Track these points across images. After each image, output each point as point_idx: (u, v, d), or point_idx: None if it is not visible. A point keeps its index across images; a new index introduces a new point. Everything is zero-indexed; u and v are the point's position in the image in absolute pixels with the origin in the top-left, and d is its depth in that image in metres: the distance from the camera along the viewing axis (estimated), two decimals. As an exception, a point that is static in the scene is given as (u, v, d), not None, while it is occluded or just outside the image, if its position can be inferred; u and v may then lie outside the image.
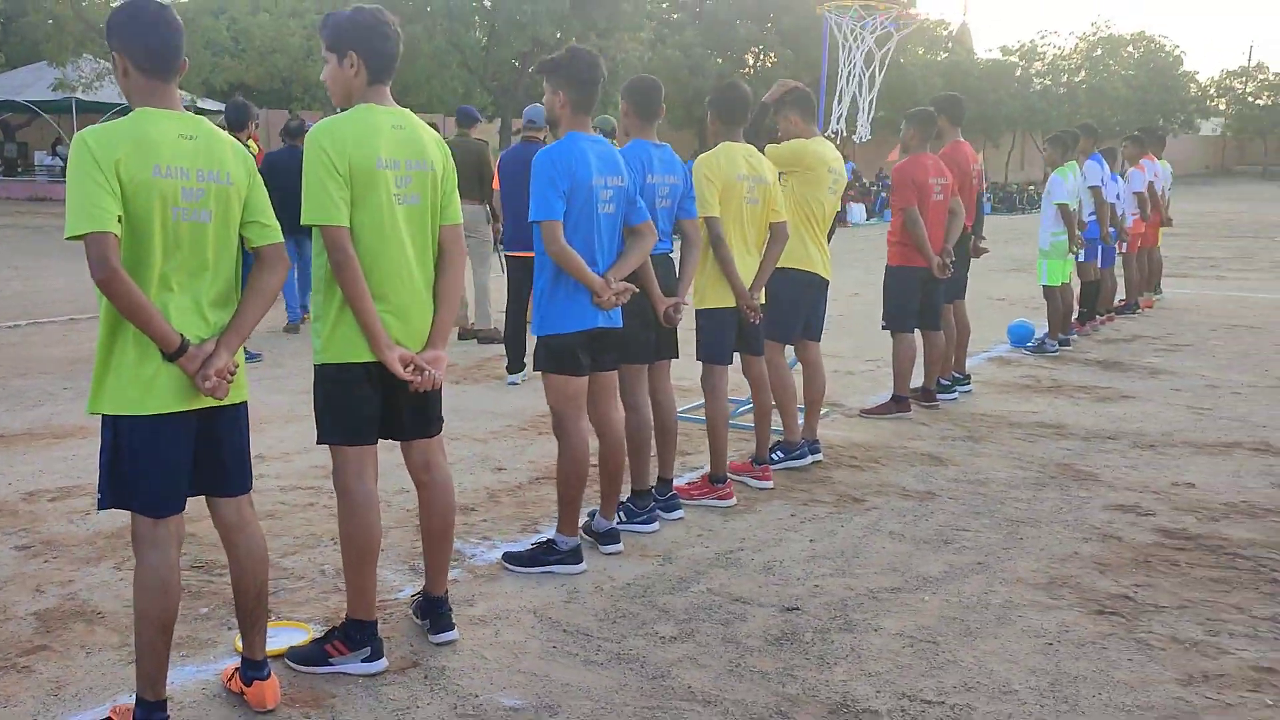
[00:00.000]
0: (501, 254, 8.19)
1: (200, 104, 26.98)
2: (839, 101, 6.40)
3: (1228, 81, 69.73)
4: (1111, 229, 10.61)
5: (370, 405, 3.28)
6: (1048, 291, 9.35)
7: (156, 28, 2.82)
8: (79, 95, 25.35)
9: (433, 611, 3.60)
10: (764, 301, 5.19)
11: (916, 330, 6.99)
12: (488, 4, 31.28)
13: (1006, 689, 3.36)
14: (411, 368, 3.26)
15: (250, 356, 8.14)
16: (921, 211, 6.72)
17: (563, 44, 33.63)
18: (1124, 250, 11.62)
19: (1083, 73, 63.29)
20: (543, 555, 4.23)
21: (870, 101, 6.72)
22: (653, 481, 4.81)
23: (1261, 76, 68.93)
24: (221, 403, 2.90)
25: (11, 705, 3.13)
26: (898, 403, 6.95)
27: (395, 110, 3.29)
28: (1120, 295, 11.86)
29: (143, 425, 2.77)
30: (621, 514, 4.68)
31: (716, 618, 3.83)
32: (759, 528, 4.80)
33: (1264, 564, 4.45)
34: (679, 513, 4.89)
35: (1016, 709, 3.24)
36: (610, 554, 4.41)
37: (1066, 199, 9.10)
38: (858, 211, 28.64)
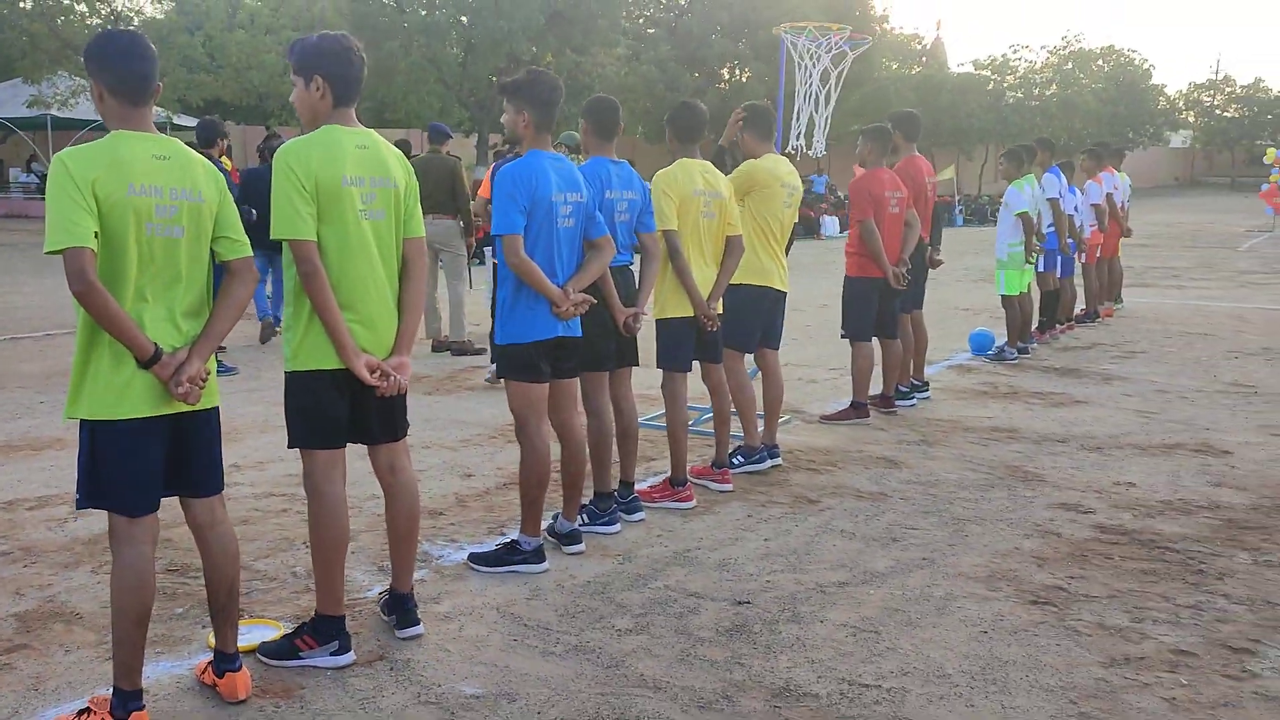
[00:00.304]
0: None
1: (176, 120, 27.10)
2: (797, 119, 6.62)
3: (1195, 94, 70.78)
4: (1070, 240, 10.90)
5: (338, 410, 3.47)
6: (1006, 301, 9.62)
7: (129, 57, 3.00)
8: (54, 112, 25.39)
9: (399, 608, 3.78)
10: (721, 312, 5.40)
11: (875, 339, 7.23)
12: (464, 20, 31.47)
13: (940, 673, 3.56)
14: (378, 374, 3.45)
15: (225, 370, 8.29)
16: (878, 224, 6.96)
17: (539, 60, 33.95)
18: (1083, 261, 11.93)
19: (1054, 86, 64.10)
20: (507, 555, 4.41)
21: (826, 118, 6.96)
22: (615, 485, 5.00)
23: (1229, 89, 69.99)
24: (193, 408, 3.08)
25: (-6, 699, 3.28)
26: (856, 409, 7.17)
27: (360, 130, 3.48)
28: (1081, 305, 12.15)
29: (118, 429, 2.95)
30: (584, 516, 4.87)
31: (671, 611, 4.03)
32: (716, 528, 5.00)
33: (1192, 556, 4.68)
34: (640, 514, 5.08)
35: (948, 691, 3.44)
36: (572, 554, 4.60)
37: (1025, 208, 9.37)
38: (831, 224, 28.94)
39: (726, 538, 4.87)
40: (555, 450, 4.51)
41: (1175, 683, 3.52)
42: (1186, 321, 12.42)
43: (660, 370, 5.35)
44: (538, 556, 4.41)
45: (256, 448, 6.19)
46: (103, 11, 25.95)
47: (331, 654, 3.52)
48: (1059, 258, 10.79)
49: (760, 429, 6.01)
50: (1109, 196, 12.03)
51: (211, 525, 3.22)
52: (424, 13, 31.34)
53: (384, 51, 30.31)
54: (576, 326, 4.40)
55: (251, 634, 3.65)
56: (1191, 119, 71.86)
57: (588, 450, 4.68)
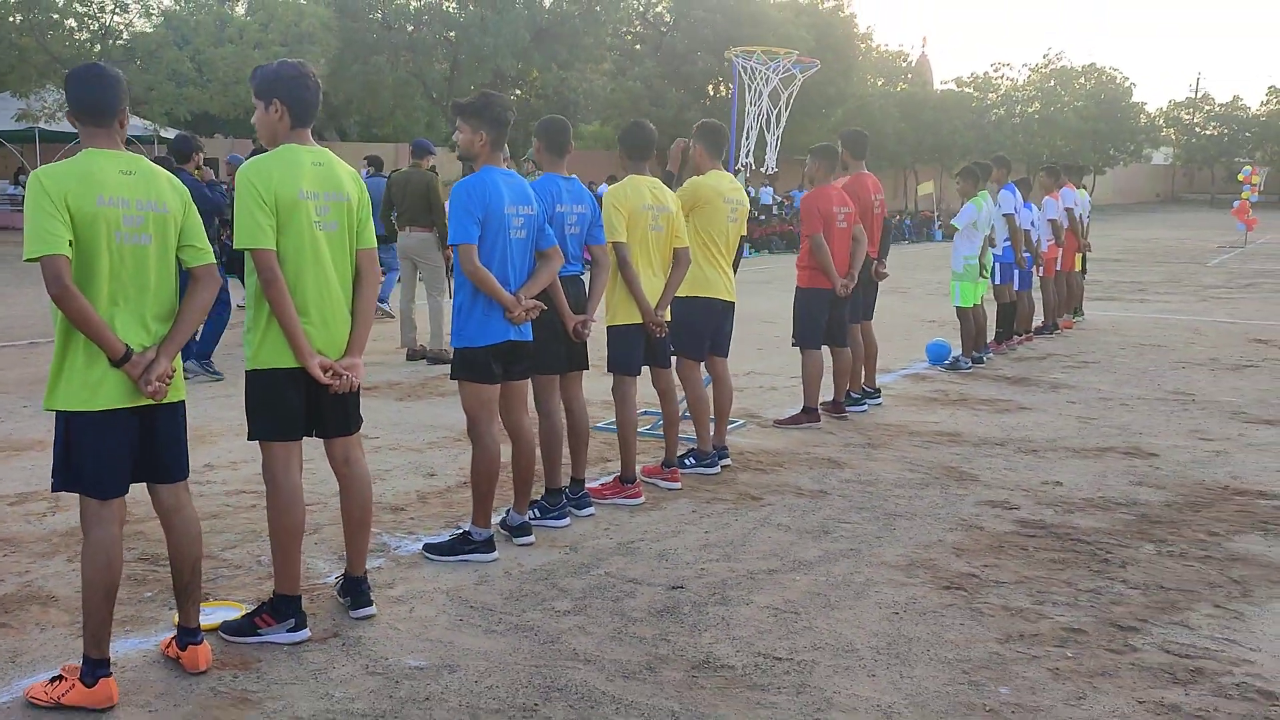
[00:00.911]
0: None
1: (164, 133, 27.39)
2: (746, 137, 6.95)
3: (1175, 112, 71.66)
4: (1027, 254, 11.29)
5: (294, 405, 3.77)
6: (960, 312, 9.98)
7: (98, 86, 3.33)
8: (42, 125, 25.67)
9: (353, 590, 4.09)
10: (669, 320, 5.73)
11: (826, 347, 7.56)
12: (451, 37, 31.88)
13: (849, 648, 3.88)
14: (330, 373, 3.76)
15: (212, 373, 8.59)
16: (827, 238, 7.30)
17: (524, 75, 34.30)
18: (1041, 275, 12.31)
19: (1036, 104, 64.84)
20: (459, 545, 4.72)
21: (778, 136, 7.30)
22: (566, 482, 5.31)
23: (1208, 108, 70.89)
24: (161, 401, 3.39)
25: (-24, 669, 3.57)
26: (808, 414, 7.50)
27: (315, 149, 3.80)
28: (1041, 318, 12.53)
29: (90, 420, 3.26)
30: (535, 510, 5.18)
31: (608, 595, 4.34)
32: (661, 522, 5.31)
33: (1101, 547, 5.02)
34: (590, 510, 5.39)
35: (854, 663, 3.76)
36: (522, 545, 4.91)
37: (965, 220, 9.76)
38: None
39: (669, 530, 5.18)
40: (507, 449, 4.82)
41: (1062, 655, 3.84)
42: (1143, 334, 12.80)
43: (610, 375, 5.66)
44: (488, 546, 4.71)
45: (230, 449, 6.47)
46: (91, 27, 26.28)
47: (288, 630, 3.81)
48: (1015, 271, 11.17)
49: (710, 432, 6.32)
50: (1068, 212, 12.43)
51: (177, 509, 3.53)
52: (411, 28, 31.79)
53: (371, 67, 30.78)
54: (528, 331, 4.72)
55: (215, 614, 3.95)
56: (1172, 136, 72.72)
57: (537, 449, 4.98)
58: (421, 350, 9.92)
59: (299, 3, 28.28)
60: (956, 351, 10.20)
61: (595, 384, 6.47)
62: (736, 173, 6.73)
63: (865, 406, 8.07)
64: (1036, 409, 8.23)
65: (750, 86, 6.65)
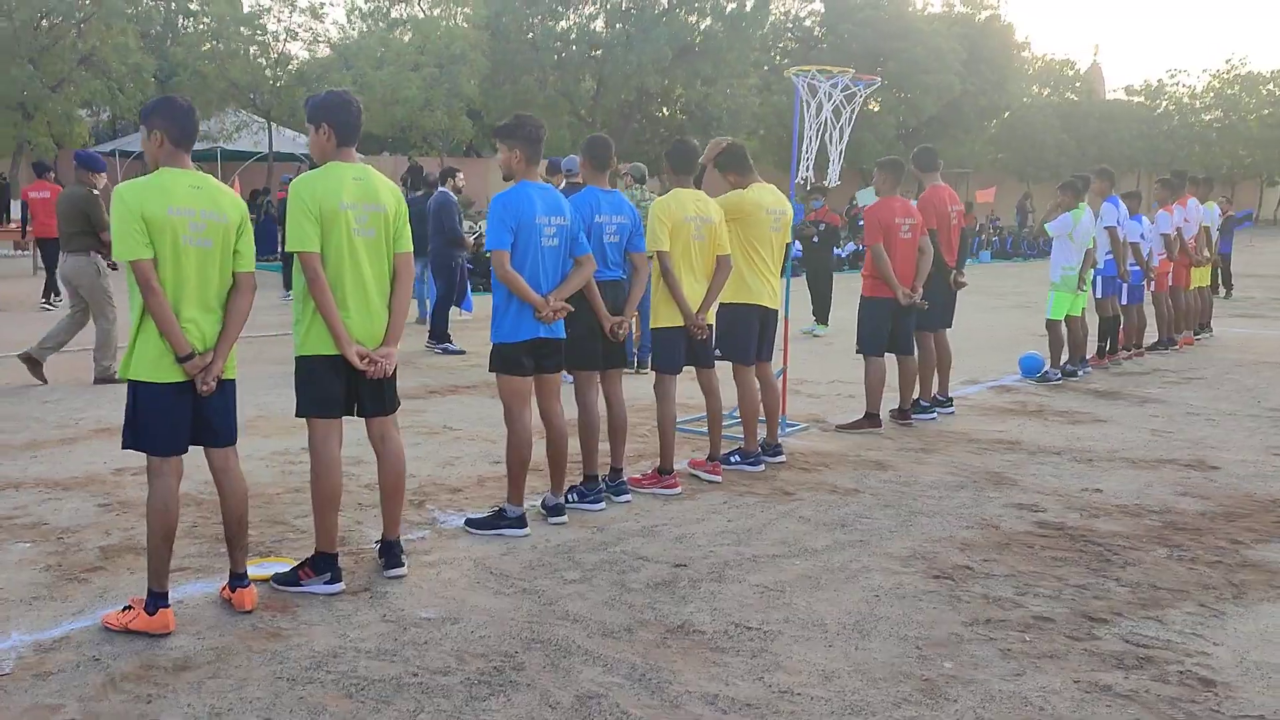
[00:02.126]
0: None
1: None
2: (807, 152, 7.28)
3: (1373, 120, 66.81)
4: (1135, 268, 11.15)
5: (335, 388, 4.36)
6: (1050, 324, 9.98)
7: (186, 114, 4.00)
8: (222, 145, 27.83)
9: (387, 552, 4.66)
10: (711, 323, 6.13)
11: (894, 355, 7.79)
12: (597, 55, 32.87)
13: (818, 622, 4.21)
14: (367, 360, 4.34)
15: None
16: (889, 249, 7.55)
17: (668, 92, 34.97)
18: (1153, 289, 12.09)
19: (1217, 111, 61.70)
20: (495, 520, 5.24)
21: (841, 151, 7.58)
22: (594, 469, 5.76)
23: None
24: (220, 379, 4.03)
25: (68, 601, 4.29)
26: (869, 419, 7.75)
27: (357, 166, 4.40)
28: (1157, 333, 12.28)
29: (156, 390, 3.92)
30: (574, 494, 5.66)
31: (616, 569, 4.78)
32: (690, 510, 5.71)
33: (1110, 549, 5.16)
34: (626, 497, 5.84)
35: (817, 635, 4.09)
36: (555, 524, 5.39)
37: (1059, 229, 9.77)
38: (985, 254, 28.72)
39: (694, 518, 5.58)
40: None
41: (1019, 639, 4.08)
42: (1269, 352, 12.38)
43: (653, 373, 6.11)
44: (520, 523, 5.22)
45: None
46: (270, 56, 28.27)
47: (325, 583, 4.40)
48: (1121, 284, 11.06)
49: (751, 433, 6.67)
50: (1179, 229, 12.14)
51: (225, 470, 4.16)
52: (559, 45, 32.91)
53: (521, 87, 32.03)
54: (558, 329, 5.22)
55: (271, 567, 4.59)
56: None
57: (567, 435, 5.47)
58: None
59: (452, 26, 29.75)
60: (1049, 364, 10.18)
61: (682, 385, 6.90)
62: (800, 186, 7.03)
63: (935, 415, 8.24)
64: (1113, 421, 8.22)
65: (807, 103, 6.94)
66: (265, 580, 4.47)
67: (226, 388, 4.13)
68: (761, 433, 6.76)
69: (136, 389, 3.95)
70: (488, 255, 5.09)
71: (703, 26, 35.19)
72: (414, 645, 3.93)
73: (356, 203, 4.31)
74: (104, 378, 8.86)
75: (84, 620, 4.09)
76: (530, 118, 5.17)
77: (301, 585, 4.41)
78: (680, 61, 33.60)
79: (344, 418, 4.48)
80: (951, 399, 8.53)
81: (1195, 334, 13.14)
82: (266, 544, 5.02)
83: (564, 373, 5.47)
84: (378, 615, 4.21)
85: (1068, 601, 4.48)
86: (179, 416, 3.99)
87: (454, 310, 12.15)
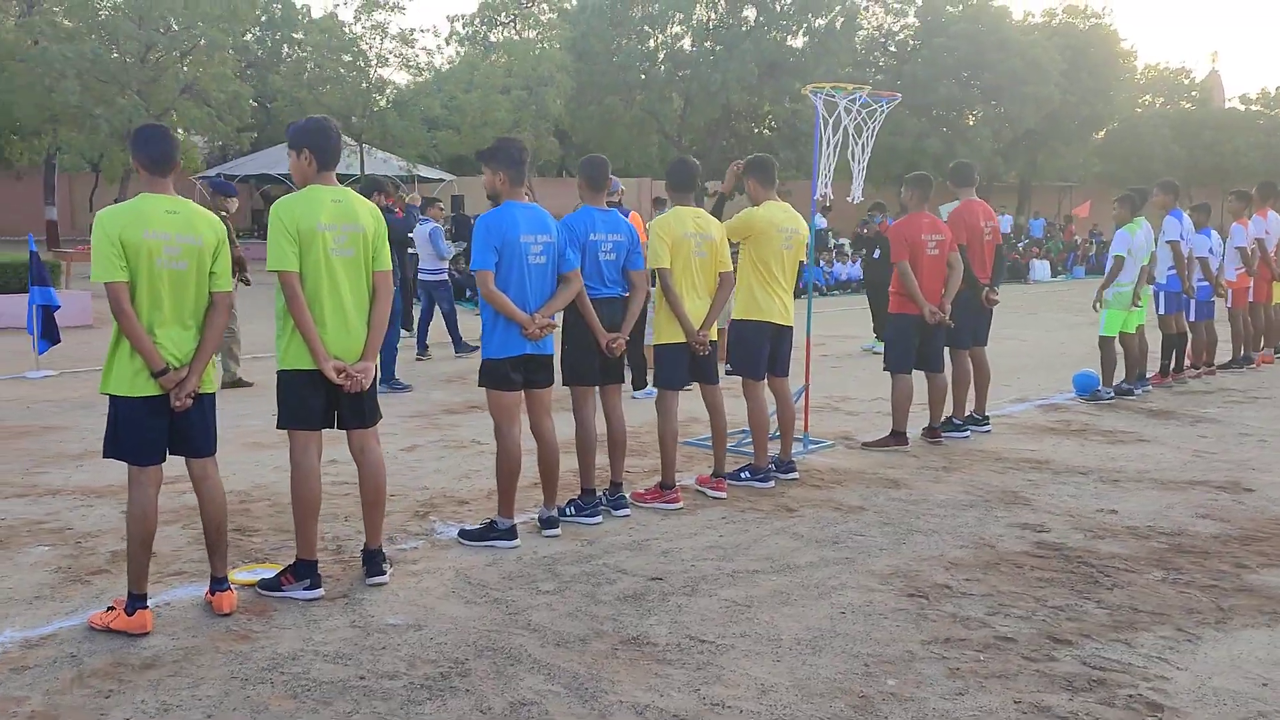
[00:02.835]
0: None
1: (418, 172, 30.04)
2: (827, 169, 7.26)
3: None
4: (1203, 283, 10.80)
5: (313, 401, 4.55)
6: (1103, 341, 9.71)
7: (159, 143, 4.23)
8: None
9: (369, 560, 4.82)
10: (714, 339, 6.18)
11: (923, 372, 7.70)
12: (683, 74, 33.09)
13: (774, 637, 4.22)
14: (343, 375, 4.52)
15: (401, 388, 9.79)
16: (916, 266, 7.48)
17: (758, 108, 34.95)
18: (1229, 306, 11.66)
19: (1341, 120, 58.84)
20: (486, 532, 5.37)
21: (863, 167, 7.54)
22: (590, 483, 5.85)
23: None
24: (197, 392, 4.25)
25: (66, 601, 4.55)
26: (895, 437, 7.67)
27: (337, 188, 4.59)
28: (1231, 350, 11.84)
29: (132, 403, 4.15)
30: (571, 508, 5.76)
31: (592, 581, 4.86)
32: (686, 525, 5.76)
33: (1103, 570, 5.03)
34: (625, 511, 5.91)
35: (768, 649, 4.10)
36: (547, 536, 5.50)
37: (1120, 251, 9.51)
38: (1041, 269, 28.22)
39: (688, 532, 5.62)
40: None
41: (973, 659, 4.03)
42: (1352, 370, 11.81)
43: (655, 388, 6.18)
44: (510, 535, 5.34)
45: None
46: (363, 83, 29.20)
47: (304, 589, 4.58)
48: (1187, 301, 10.71)
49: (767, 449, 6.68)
50: (1260, 241, 11.69)
51: (204, 479, 4.38)
52: (646, 65, 33.21)
53: (606, 106, 32.42)
54: (546, 345, 5.33)
55: (260, 574, 4.79)
56: None
57: (558, 450, 5.57)
58: None
59: (543, 49, 30.31)
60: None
61: (688, 401, 6.96)
62: (819, 203, 7.02)
63: (968, 433, 8.11)
64: (1156, 442, 7.98)
65: (825, 120, 6.92)
66: (253, 585, 4.68)
67: (204, 402, 4.34)
68: (775, 449, 6.77)
69: (115, 403, 4.19)
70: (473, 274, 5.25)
71: (791, 43, 35.17)
72: (371, 650, 4.07)
73: (334, 223, 4.50)
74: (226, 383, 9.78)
75: (74, 619, 4.35)
76: (512, 140, 5.32)
77: (283, 590, 4.60)
78: (767, 78, 33.61)
79: (349, 430, 4.68)
80: (988, 417, 8.38)
81: (1276, 352, 12.61)
82: (265, 551, 5.24)
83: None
84: (346, 621, 4.37)
85: (1038, 622, 4.40)
86: (155, 429, 4.21)
87: None
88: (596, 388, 5.85)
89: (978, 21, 40.71)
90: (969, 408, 8.26)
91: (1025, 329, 16.16)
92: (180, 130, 23.74)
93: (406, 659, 4.00)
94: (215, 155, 37.30)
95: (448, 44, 34.14)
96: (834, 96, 7.23)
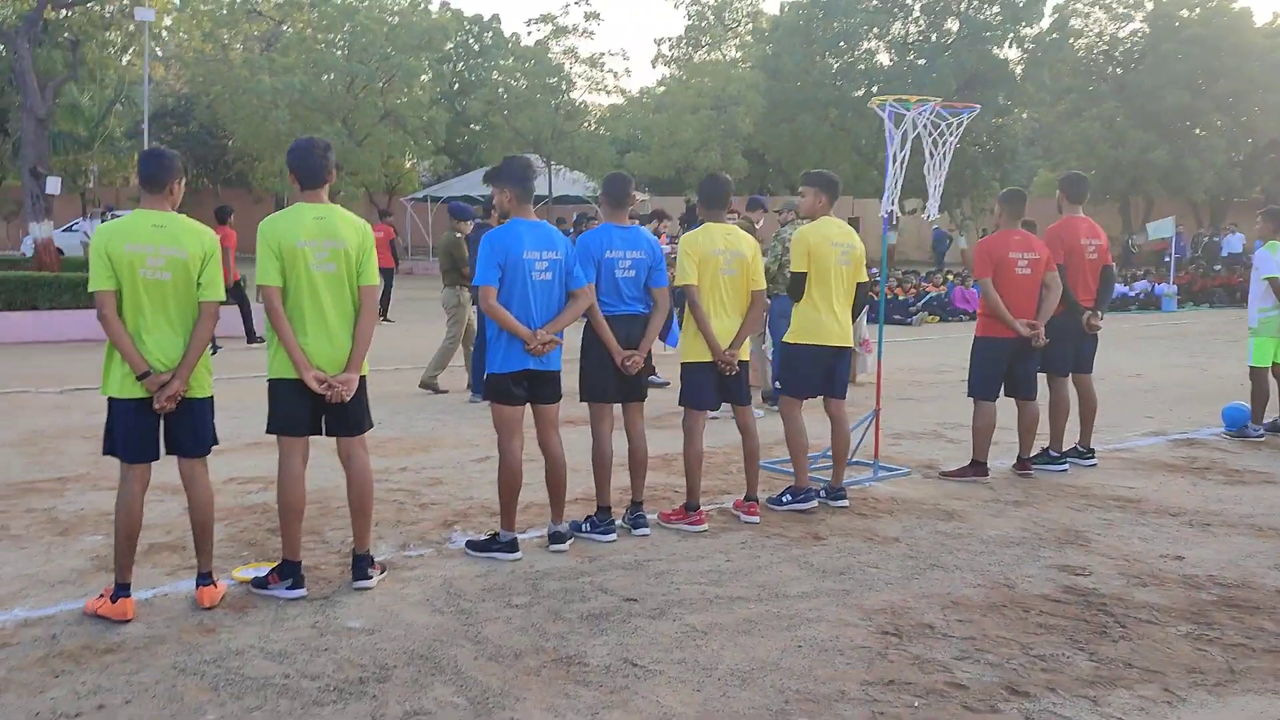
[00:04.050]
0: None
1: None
2: (896, 184, 6.92)
3: None
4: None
5: (298, 409, 4.75)
6: (1253, 373, 8.82)
7: (146, 164, 4.56)
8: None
9: (356, 564, 4.98)
10: (745, 358, 6.04)
11: (1014, 400, 7.24)
12: (878, 90, 32.36)
13: (710, 666, 4.08)
14: (324, 385, 4.70)
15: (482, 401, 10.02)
16: (1002, 284, 7.05)
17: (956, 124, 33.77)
18: None
19: None
20: (489, 544, 5.44)
21: (939, 184, 7.14)
22: (606, 501, 5.81)
23: None
24: (187, 396, 4.53)
25: (83, 586, 4.92)
26: (975, 467, 7.23)
27: (320, 205, 4.78)
28: None
29: (122, 405, 4.47)
30: (587, 525, 5.76)
31: (566, 598, 4.83)
32: (698, 548, 5.63)
33: (1121, 621, 4.58)
34: (645, 530, 5.84)
35: (697, 678, 3.96)
36: (554, 551, 5.51)
37: (1274, 272, 8.62)
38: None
39: (695, 555, 5.50)
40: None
41: (906, 704, 3.76)
42: None
43: (682, 408, 6.08)
44: (511, 547, 5.38)
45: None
46: (554, 104, 30.19)
47: (287, 588, 4.78)
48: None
49: (804, 471, 6.44)
50: None
51: (192, 479, 4.65)
52: (840, 82, 32.71)
53: (798, 125, 32.13)
54: (550, 361, 5.36)
55: (256, 571, 5.03)
56: None
57: (565, 465, 5.57)
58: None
59: (728, 69, 30.40)
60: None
61: (766, 424, 6.84)
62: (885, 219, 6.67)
63: (1066, 466, 7.54)
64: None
65: (891, 134, 6.58)
66: (248, 582, 4.93)
67: (194, 406, 4.60)
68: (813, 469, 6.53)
69: (110, 403, 4.52)
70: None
71: (998, 54, 33.79)
72: (314, 651, 4.21)
73: (315, 239, 4.69)
74: (426, 385, 10.47)
75: (77, 604, 4.70)
76: (517, 159, 5.40)
77: (268, 588, 4.82)
78: (967, 92, 32.39)
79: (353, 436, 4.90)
80: (1093, 450, 7.77)
81: None
82: (270, 551, 5.48)
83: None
84: (310, 622, 4.53)
85: (1007, 671, 4.05)
86: (144, 429, 4.51)
87: (658, 343, 12.41)
88: (615, 405, 5.82)
89: (1210, 25, 37.85)
90: (1070, 439, 7.69)
91: (1215, 356, 14.86)
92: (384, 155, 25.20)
93: (339, 662, 4.11)
94: (430, 177, 39.47)
95: (654, 66, 34.88)
96: (904, 110, 6.91)
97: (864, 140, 32.93)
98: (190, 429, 4.62)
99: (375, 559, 5.21)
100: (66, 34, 23.41)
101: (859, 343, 12.05)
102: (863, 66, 34.34)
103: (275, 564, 5.15)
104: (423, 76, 24.71)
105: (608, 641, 4.32)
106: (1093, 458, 7.73)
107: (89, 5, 23.29)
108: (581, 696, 3.82)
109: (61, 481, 6.86)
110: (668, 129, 29.09)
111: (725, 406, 6.31)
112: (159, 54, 37.09)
